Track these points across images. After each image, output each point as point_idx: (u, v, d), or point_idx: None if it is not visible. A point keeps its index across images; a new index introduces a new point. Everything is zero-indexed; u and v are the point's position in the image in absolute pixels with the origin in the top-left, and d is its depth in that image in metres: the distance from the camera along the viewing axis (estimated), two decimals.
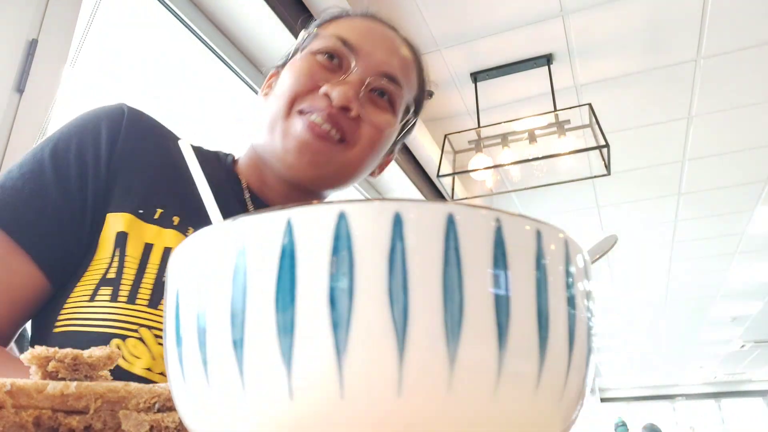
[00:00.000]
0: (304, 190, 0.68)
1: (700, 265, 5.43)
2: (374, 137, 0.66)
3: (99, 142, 0.61)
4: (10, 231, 0.54)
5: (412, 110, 0.72)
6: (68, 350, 0.29)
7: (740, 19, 2.51)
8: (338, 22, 0.70)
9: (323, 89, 0.62)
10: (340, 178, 0.68)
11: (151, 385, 0.28)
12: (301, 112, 0.63)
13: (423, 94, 0.75)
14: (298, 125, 0.62)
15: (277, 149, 0.64)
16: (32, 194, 0.56)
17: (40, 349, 0.28)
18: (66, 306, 0.54)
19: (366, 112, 0.65)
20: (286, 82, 0.65)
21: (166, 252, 0.57)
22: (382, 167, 0.77)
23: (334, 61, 0.65)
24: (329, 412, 0.17)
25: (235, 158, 0.74)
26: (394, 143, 0.75)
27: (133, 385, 0.27)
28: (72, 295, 0.55)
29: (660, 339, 8.61)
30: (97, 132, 0.62)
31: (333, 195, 0.75)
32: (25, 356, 0.28)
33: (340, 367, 0.17)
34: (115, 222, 0.58)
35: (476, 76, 2.83)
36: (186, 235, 0.59)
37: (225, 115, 2.33)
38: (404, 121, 0.72)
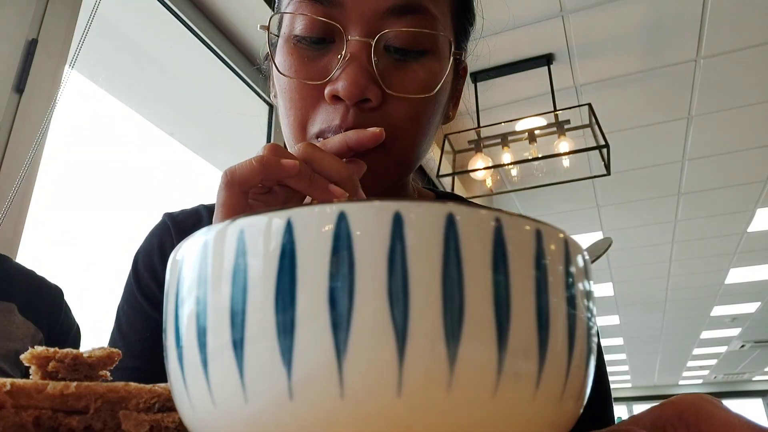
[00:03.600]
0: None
1: (700, 265, 5.44)
2: (415, 112, 0.48)
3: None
4: None
5: (452, 45, 0.50)
6: (68, 350, 0.29)
7: (740, 19, 2.51)
8: None
9: (327, 91, 0.46)
10: (399, 175, 0.52)
11: (151, 385, 0.28)
12: (319, 136, 0.48)
13: (464, 12, 0.53)
14: None
15: None
16: None
17: (40, 349, 0.28)
18: None
19: (392, 82, 0.46)
20: (281, 98, 0.50)
21: None
22: (448, 119, 0.59)
23: (323, 44, 0.48)
24: (329, 412, 0.17)
25: None
26: (454, 89, 0.56)
27: (133, 385, 0.27)
28: None
29: (660, 339, 8.60)
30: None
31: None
32: (25, 356, 0.28)
33: (340, 367, 0.17)
34: None
35: (476, 76, 2.83)
36: None
37: (224, 114, 2.33)
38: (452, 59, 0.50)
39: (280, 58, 0.49)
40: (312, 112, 0.48)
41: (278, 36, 0.52)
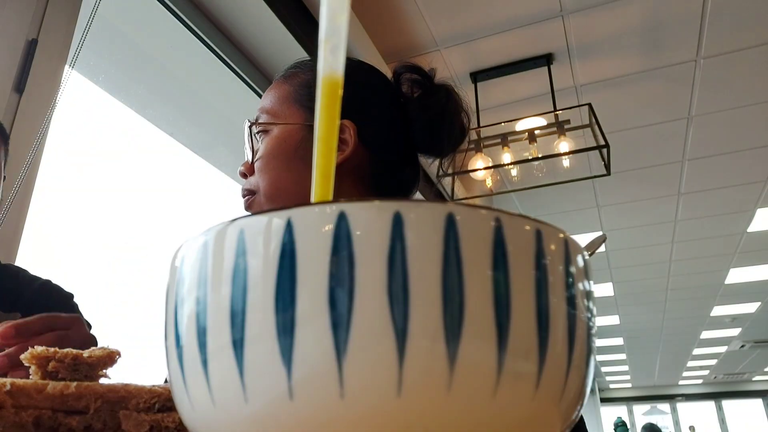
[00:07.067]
0: None
1: (700, 265, 5.43)
2: (259, 167, 0.74)
3: None
4: None
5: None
6: (68, 350, 0.29)
7: (740, 19, 2.51)
8: None
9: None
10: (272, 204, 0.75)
11: (151, 385, 0.28)
12: None
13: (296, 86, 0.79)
14: None
15: None
16: None
17: (40, 349, 0.28)
18: None
19: (254, 157, 0.74)
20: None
21: None
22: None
23: None
24: (329, 412, 0.17)
25: None
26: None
27: (133, 385, 0.27)
28: None
29: (660, 339, 8.60)
30: None
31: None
32: (25, 356, 0.28)
33: (340, 367, 0.17)
34: None
35: (476, 76, 2.83)
36: None
37: (224, 114, 2.33)
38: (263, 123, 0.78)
39: None
40: None
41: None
